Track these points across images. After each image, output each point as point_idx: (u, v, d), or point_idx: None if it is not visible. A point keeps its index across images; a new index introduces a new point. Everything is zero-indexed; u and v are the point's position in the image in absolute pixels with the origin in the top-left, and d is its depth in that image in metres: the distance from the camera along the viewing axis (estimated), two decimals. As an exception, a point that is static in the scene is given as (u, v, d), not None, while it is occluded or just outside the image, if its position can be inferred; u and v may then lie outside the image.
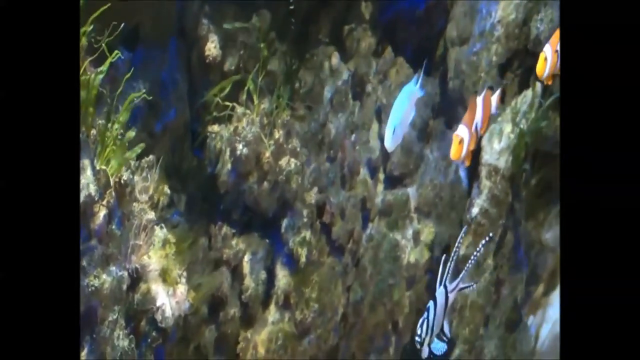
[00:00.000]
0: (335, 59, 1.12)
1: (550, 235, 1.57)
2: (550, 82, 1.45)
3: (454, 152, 1.34)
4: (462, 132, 1.31)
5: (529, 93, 1.75)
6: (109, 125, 1.06)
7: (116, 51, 1.07)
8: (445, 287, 1.22)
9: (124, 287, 1.07)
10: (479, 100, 1.33)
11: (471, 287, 1.37)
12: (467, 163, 1.38)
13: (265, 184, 1.03)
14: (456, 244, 1.27)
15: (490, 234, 1.50)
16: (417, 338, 1.21)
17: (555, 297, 1.66)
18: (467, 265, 1.26)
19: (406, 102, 1.15)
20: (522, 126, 1.43)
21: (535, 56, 1.74)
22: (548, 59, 1.37)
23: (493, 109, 1.41)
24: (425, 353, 1.23)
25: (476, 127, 1.32)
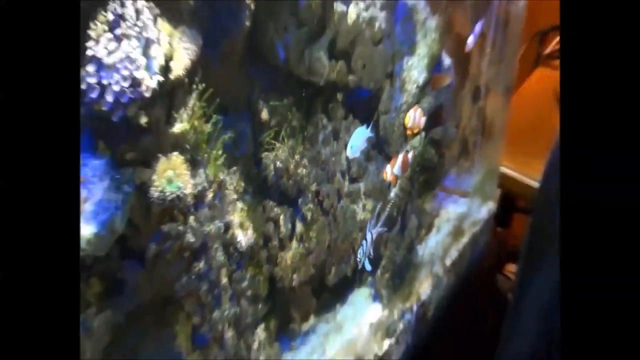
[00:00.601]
0: (325, 120, 1.62)
1: (428, 206, 1.59)
2: (415, 131, 1.46)
3: (384, 176, 1.45)
4: (388, 170, 1.41)
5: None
6: (213, 151, 1.42)
7: (216, 116, 1.39)
8: (371, 231, 1.39)
9: (222, 231, 1.20)
10: (400, 156, 1.41)
11: (385, 230, 1.51)
12: (393, 182, 1.52)
13: (290, 181, 1.56)
14: (379, 210, 1.46)
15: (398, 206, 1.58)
16: (357, 259, 1.39)
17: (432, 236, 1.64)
18: (383, 218, 1.46)
19: (360, 136, 1.30)
20: (416, 152, 1.55)
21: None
22: (411, 117, 1.40)
23: (408, 162, 1.75)
24: (361, 266, 1.41)
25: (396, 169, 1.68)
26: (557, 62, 1.67)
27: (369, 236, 1.34)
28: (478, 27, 1.39)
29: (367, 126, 1.26)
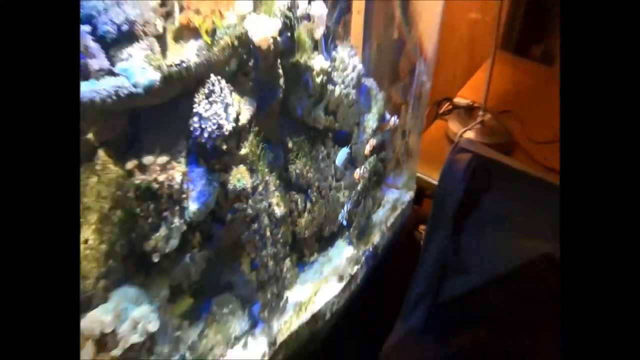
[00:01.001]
0: (322, 148, 1.41)
1: (378, 194, 1.45)
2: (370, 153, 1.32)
3: (354, 176, 1.29)
4: (356, 174, 1.28)
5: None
6: (261, 164, 1.12)
7: (263, 145, 1.11)
8: (347, 206, 1.29)
9: (266, 207, 1.08)
10: (362, 167, 1.29)
11: (355, 207, 1.33)
12: (359, 180, 1.29)
13: (304, 180, 1.41)
14: (352, 196, 1.32)
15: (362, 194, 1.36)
16: (340, 221, 1.31)
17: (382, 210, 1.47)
18: (354, 200, 1.30)
19: (343, 153, 1.21)
20: (371, 165, 1.31)
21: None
22: (368, 146, 1.29)
23: (365, 170, 1.33)
24: (342, 224, 1.33)
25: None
26: (447, 117, 1.63)
27: (345, 208, 1.33)
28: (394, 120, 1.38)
29: (348, 148, 1.26)
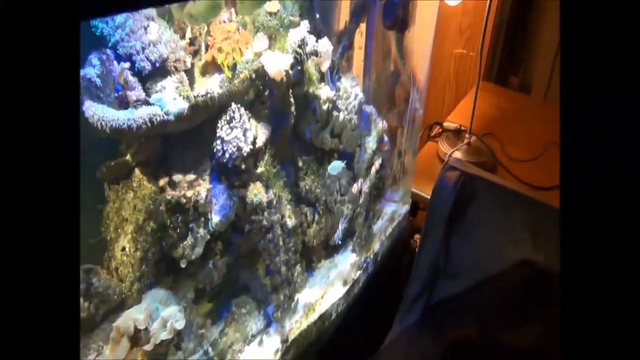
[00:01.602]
0: (328, 167, 1.39)
1: (378, 207, 1.42)
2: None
3: (353, 190, 1.26)
4: (355, 188, 1.26)
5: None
6: (275, 181, 1.09)
7: (276, 164, 1.08)
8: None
9: (280, 219, 1.08)
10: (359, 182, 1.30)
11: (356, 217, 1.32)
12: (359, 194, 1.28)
13: (312, 195, 1.30)
14: (354, 208, 1.29)
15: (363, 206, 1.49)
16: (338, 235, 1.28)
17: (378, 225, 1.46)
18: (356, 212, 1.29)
19: (337, 165, 1.16)
20: (371, 181, 1.32)
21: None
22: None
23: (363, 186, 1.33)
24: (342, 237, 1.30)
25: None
26: (437, 139, 1.60)
27: (340, 228, 1.32)
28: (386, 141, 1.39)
29: (343, 162, 1.24)
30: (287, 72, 1.02)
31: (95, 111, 0.79)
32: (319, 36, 1.12)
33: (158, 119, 0.85)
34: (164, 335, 0.92)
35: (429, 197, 1.14)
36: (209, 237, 0.99)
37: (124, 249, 0.90)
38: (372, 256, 1.40)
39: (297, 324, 1.17)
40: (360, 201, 1.34)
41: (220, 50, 0.96)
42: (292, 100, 1.09)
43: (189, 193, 0.93)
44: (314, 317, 1.20)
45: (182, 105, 0.87)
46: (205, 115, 0.93)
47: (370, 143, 1.35)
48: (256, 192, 1.04)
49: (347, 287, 1.30)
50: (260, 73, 1.01)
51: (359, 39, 1.32)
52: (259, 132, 1.03)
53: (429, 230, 1.14)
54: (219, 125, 0.94)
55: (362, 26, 1.31)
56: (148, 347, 0.90)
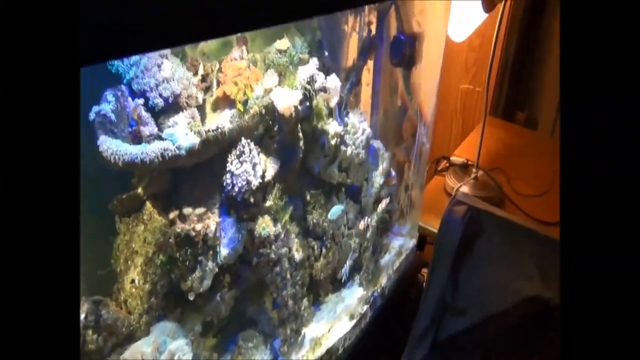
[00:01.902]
0: (335, 200, 1.35)
1: (385, 241, 1.43)
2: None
3: (360, 227, 1.27)
4: (362, 224, 1.28)
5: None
6: (283, 214, 1.10)
7: (285, 198, 1.08)
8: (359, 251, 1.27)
9: (287, 252, 1.07)
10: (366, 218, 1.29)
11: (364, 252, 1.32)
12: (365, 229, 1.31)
13: (320, 229, 1.33)
14: (361, 242, 1.32)
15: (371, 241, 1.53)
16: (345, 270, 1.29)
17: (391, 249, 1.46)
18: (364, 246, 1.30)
19: (337, 209, 1.18)
20: (379, 216, 1.33)
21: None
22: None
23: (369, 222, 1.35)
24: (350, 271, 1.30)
25: None
26: (444, 174, 1.60)
27: (347, 265, 1.32)
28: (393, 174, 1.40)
29: (343, 204, 1.25)
30: (296, 107, 1.04)
31: (109, 145, 0.81)
32: (327, 73, 1.14)
33: (170, 153, 0.86)
34: (171, 369, 0.92)
35: (436, 231, 1.14)
36: (217, 270, 0.99)
37: (133, 281, 0.91)
38: (379, 290, 1.39)
39: (303, 358, 1.16)
40: (368, 235, 1.34)
41: (235, 83, 0.98)
42: (300, 135, 1.10)
43: (199, 226, 0.94)
44: (320, 351, 1.19)
45: (194, 140, 0.89)
46: (215, 150, 0.94)
47: (378, 177, 1.36)
48: (264, 226, 1.04)
49: (354, 321, 1.29)
50: (270, 109, 1.03)
51: (367, 76, 1.34)
52: (268, 166, 1.04)
53: (437, 265, 1.13)
54: (229, 159, 0.95)
55: (370, 63, 1.34)
56: (154, 381, 0.90)
